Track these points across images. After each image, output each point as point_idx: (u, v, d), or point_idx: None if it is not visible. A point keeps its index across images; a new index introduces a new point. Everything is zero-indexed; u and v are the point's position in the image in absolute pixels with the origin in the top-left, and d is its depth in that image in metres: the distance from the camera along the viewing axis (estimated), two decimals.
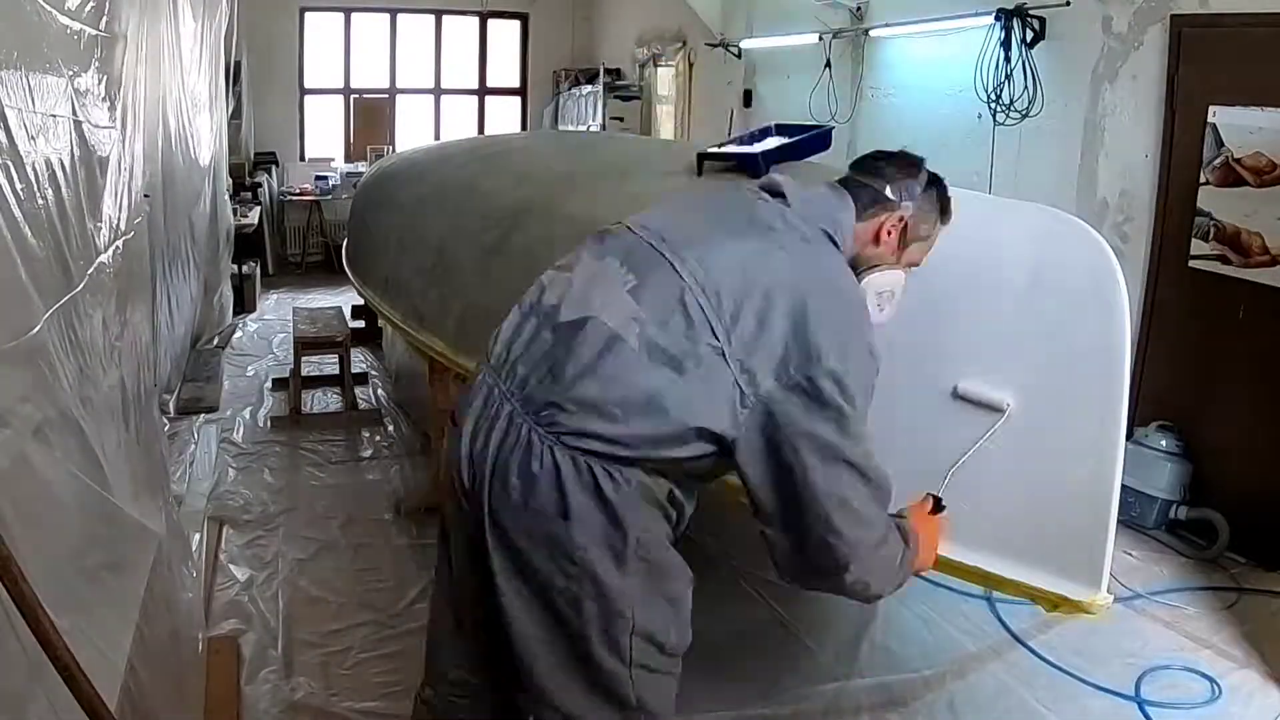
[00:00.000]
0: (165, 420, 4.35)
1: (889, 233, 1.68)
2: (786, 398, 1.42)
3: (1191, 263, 3.60)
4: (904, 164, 1.78)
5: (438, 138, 8.68)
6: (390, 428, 4.58)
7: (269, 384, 5.13)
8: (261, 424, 4.56)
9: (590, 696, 1.56)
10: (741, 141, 2.82)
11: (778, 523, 1.48)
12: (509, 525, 1.48)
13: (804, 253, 1.54)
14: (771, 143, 2.72)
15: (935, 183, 1.77)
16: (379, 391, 5.11)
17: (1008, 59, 4.20)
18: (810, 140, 2.67)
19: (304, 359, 4.69)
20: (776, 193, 1.64)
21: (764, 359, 1.43)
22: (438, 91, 9.11)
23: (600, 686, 1.55)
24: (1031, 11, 4.14)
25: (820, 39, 5.58)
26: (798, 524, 1.46)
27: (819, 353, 1.42)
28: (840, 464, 1.43)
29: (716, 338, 1.44)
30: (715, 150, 2.74)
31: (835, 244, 1.60)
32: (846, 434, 1.43)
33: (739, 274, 1.48)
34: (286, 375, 4.87)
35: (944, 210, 1.75)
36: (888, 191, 1.70)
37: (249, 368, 5.47)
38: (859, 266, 1.65)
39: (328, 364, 5.12)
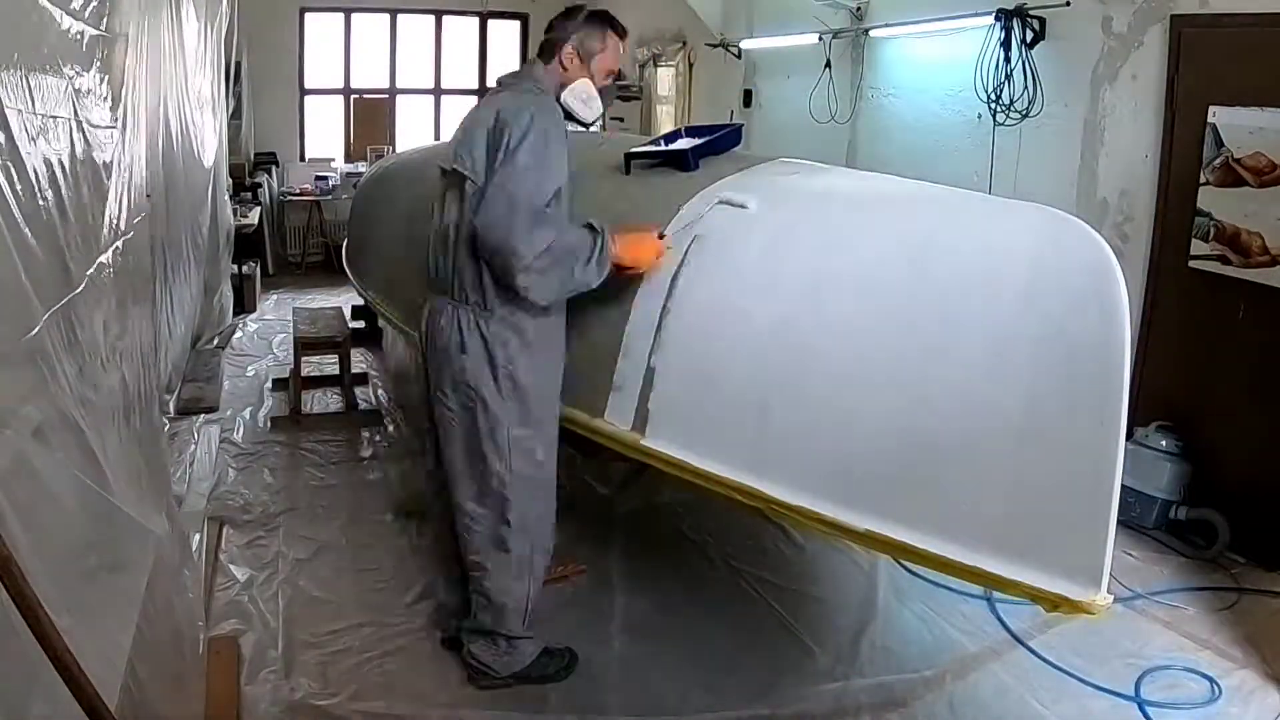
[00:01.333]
0: (165, 420, 4.35)
1: (568, 59, 2.43)
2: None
3: (1191, 263, 3.60)
4: (563, 15, 2.47)
5: (438, 138, 8.68)
6: (390, 428, 4.58)
7: (269, 384, 5.13)
8: (261, 424, 4.56)
9: (481, 498, 2.41)
10: (661, 143, 3.09)
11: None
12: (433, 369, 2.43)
13: (509, 98, 2.35)
14: (688, 142, 3.00)
15: (594, 14, 2.46)
16: (379, 392, 5.11)
17: (1008, 59, 4.21)
18: (725, 137, 2.97)
19: (304, 359, 4.69)
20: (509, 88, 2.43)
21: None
22: (438, 92, 9.10)
23: (489, 488, 2.39)
24: (1031, 12, 4.14)
25: (820, 39, 5.58)
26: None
27: (508, 131, 2.22)
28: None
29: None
30: (640, 150, 3.00)
31: (541, 90, 2.39)
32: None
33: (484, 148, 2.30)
34: (286, 376, 4.87)
35: (608, 25, 2.46)
36: (555, 35, 2.45)
37: (249, 368, 5.47)
38: (564, 87, 2.42)
39: (328, 364, 5.12)
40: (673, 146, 2.94)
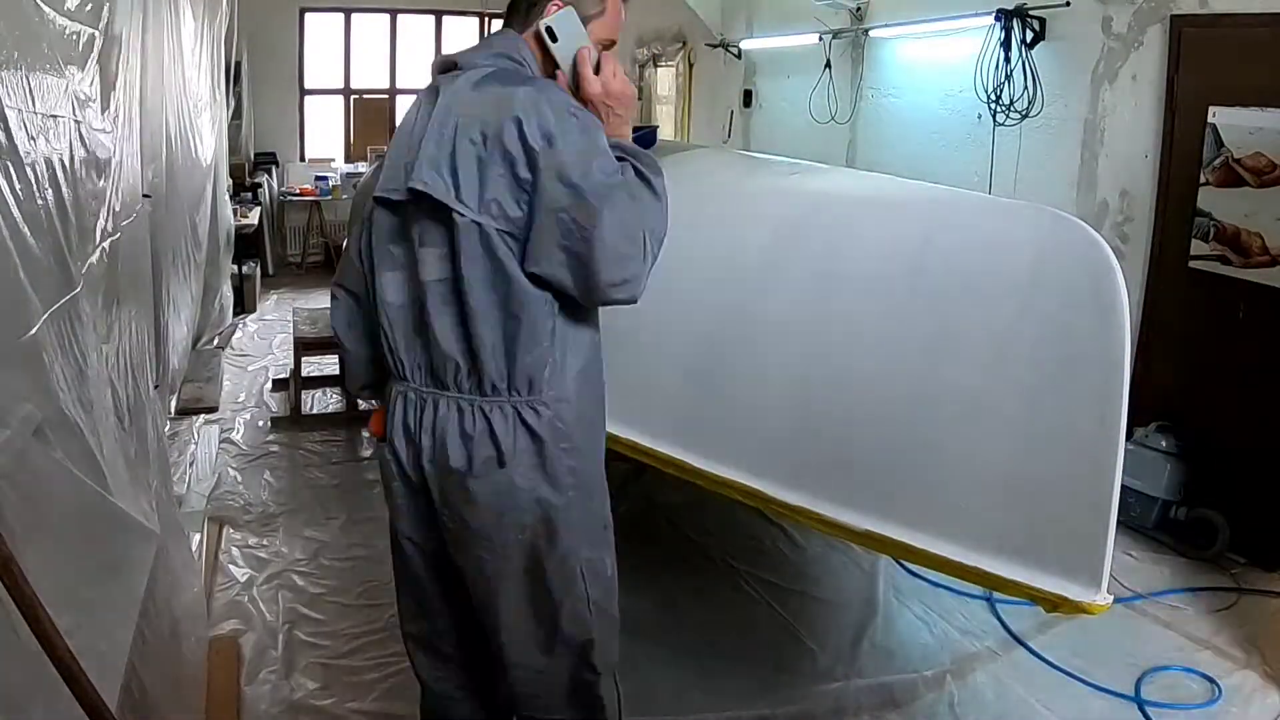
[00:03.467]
0: (165, 420, 4.35)
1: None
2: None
3: (1191, 263, 3.60)
4: None
5: None
6: None
7: (269, 384, 5.13)
8: (262, 424, 4.56)
9: (549, 647, 1.71)
10: None
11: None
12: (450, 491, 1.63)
13: (479, 89, 1.59)
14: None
15: None
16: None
17: (1008, 59, 4.20)
18: (640, 139, 2.97)
19: (304, 359, 4.69)
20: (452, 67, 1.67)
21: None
22: None
23: (561, 633, 1.70)
24: (1031, 12, 4.14)
25: (820, 39, 5.58)
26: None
27: (527, 130, 1.51)
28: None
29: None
30: None
31: (520, 63, 1.65)
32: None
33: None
34: (286, 376, 4.87)
35: None
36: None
37: (249, 368, 5.47)
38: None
39: (328, 364, 5.12)
40: None
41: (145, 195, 2.95)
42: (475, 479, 1.58)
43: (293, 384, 4.67)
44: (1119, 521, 1.85)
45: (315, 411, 4.75)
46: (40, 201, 1.53)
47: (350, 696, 2.50)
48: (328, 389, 5.01)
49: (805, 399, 2.12)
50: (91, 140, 2.02)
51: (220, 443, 4.25)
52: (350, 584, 3.09)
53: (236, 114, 7.09)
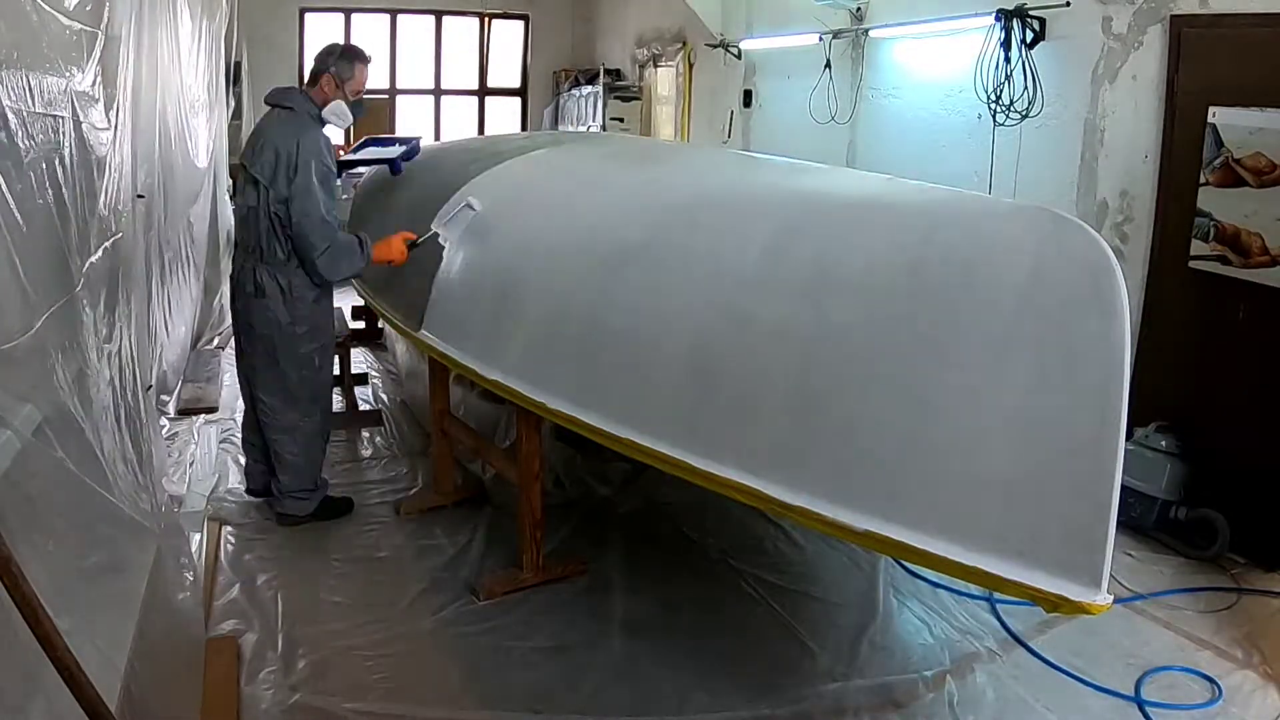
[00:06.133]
0: (165, 420, 4.34)
1: (327, 85, 3.32)
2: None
3: (1191, 263, 3.60)
4: (324, 52, 3.36)
5: (438, 138, 8.68)
6: (391, 427, 4.58)
7: None
8: None
9: (284, 395, 3.37)
10: (356, 149, 4.19)
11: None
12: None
13: (285, 123, 3.27)
14: (373, 151, 4.17)
15: (347, 49, 3.39)
16: (380, 392, 5.10)
17: (1008, 59, 4.21)
18: (408, 152, 4.12)
19: None
20: (284, 106, 3.32)
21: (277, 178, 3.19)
22: (438, 92, 9.11)
23: (287, 390, 3.36)
24: (1031, 12, 4.14)
25: (820, 39, 5.58)
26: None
27: (292, 160, 3.16)
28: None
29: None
30: (350, 158, 4.11)
31: (304, 110, 3.30)
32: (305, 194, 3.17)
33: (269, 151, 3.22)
34: None
35: (356, 57, 3.38)
36: (317, 66, 3.34)
37: None
38: (324, 105, 3.32)
39: None
40: (385, 153, 4.13)
41: (139, 195, 2.95)
42: (248, 299, 3.32)
43: None
44: (1119, 521, 1.85)
45: None
46: (40, 201, 1.53)
47: (350, 697, 2.49)
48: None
49: (805, 399, 2.12)
50: (93, 139, 2.02)
51: (220, 443, 4.25)
52: (349, 584, 3.10)
53: (236, 114, 7.08)
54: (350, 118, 3.37)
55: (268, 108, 3.36)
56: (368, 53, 3.46)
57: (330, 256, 3.19)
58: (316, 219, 3.14)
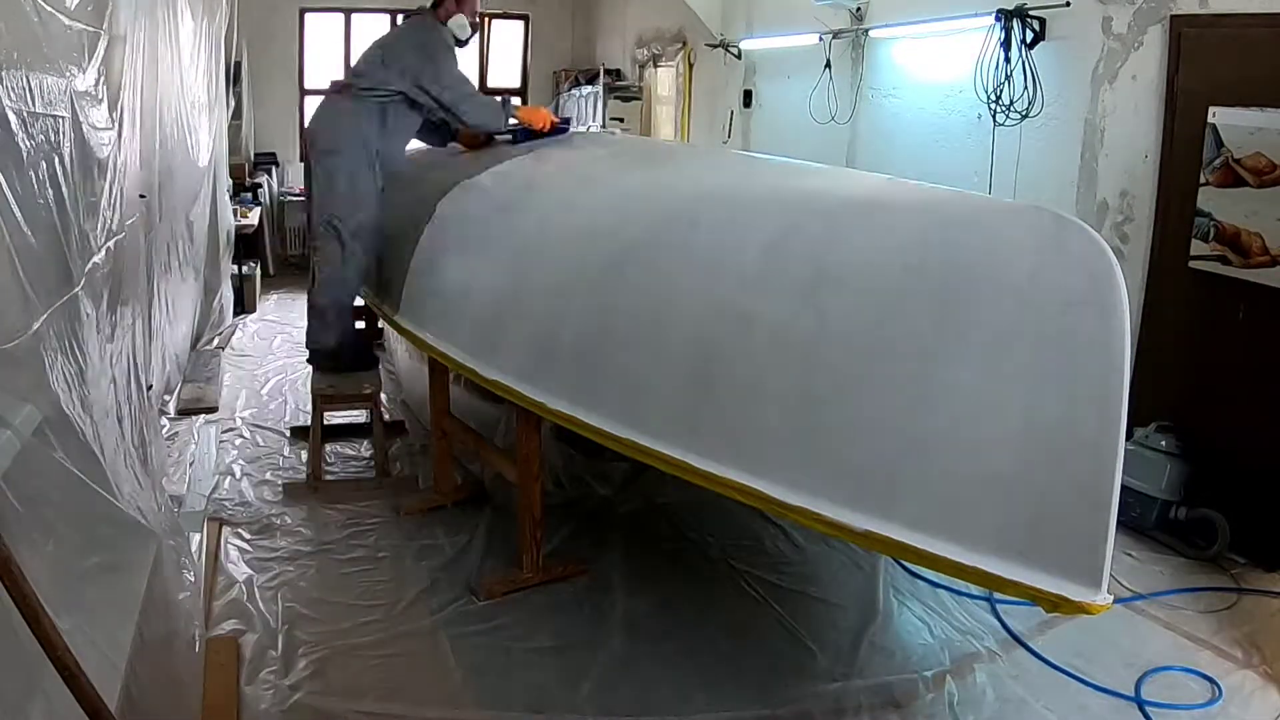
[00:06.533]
0: (165, 420, 4.35)
1: (451, 4, 3.79)
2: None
3: (1191, 263, 3.60)
4: None
5: None
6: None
7: (266, 388, 5.11)
8: (262, 424, 4.55)
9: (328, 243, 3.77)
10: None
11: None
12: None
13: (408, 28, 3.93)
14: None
15: None
16: (380, 392, 5.08)
17: (1008, 59, 4.20)
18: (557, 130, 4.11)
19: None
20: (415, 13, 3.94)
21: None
22: None
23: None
24: (1031, 12, 4.14)
25: (820, 39, 5.58)
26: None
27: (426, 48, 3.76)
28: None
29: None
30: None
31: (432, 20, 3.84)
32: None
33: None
34: (285, 378, 4.83)
35: None
36: None
37: (249, 368, 5.47)
38: (447, 20, 3.81)
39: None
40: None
41: (140, 195, 2.95)
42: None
43: (312, 440, 4.64)
44: (1119, 521, 1.85)
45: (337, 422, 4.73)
46: (40, 201, 1.53)
47: (350, 697, 2.49)
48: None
49: (805, 399, 2.12)
50: (94, 140, 2.02)
51: (220, 443, 4.25)
52: (350, 584, 3.09)
53: (236, 114, 7.08)
54: (469, 30, 3.87)
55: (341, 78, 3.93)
56: None
57: (474, 103, 3.79)
58: (458, 79, 3.79)
